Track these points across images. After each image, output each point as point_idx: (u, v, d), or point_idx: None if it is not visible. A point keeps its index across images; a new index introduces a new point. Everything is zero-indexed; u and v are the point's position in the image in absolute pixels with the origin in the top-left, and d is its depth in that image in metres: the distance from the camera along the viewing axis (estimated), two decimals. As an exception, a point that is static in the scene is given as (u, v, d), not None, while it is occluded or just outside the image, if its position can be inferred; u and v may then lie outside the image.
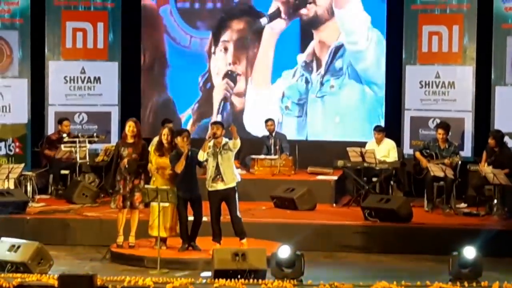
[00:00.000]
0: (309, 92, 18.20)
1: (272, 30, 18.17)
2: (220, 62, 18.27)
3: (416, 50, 17.42)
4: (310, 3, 17.99)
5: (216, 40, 18.31)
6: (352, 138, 17.78)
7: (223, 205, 13.01)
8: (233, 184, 12.87)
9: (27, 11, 17.30)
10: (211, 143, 12.76)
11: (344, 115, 18.22)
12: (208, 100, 18.43)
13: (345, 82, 18.13)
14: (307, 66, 18.24)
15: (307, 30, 18.24)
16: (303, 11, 17.98)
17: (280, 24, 18.13)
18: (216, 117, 17.94)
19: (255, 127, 18.12)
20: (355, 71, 18.05)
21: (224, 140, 12.91)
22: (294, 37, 18.30)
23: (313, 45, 18.18)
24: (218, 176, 12.82)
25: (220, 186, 12.82)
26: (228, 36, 18.29)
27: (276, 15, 18.09)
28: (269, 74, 18.29)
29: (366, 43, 17.93)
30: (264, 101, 18.38)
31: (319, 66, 18.17)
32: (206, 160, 12.80)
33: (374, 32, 17.94)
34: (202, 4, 18.28)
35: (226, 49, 18.27)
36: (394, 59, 17.59)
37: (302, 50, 18.22)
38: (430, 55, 17.40)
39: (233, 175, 12.92)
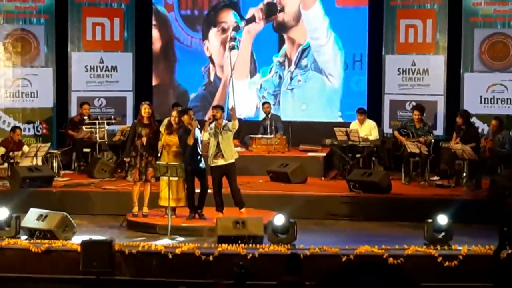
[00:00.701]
0: (281, 85, 18.18)
1: (249, 33, 18.13)
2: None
3: (394, 41, 17.39)
4: (280, 11, 17.98)
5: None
6: (316, 119, 18.00)
7: (224, 179, 13.01)
8: (232, 160, 12.87)
9: (52, 8, 17.25)
10: (212, 125, 12.79)
11: (308, 103, 18.17)
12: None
13: (309, 76, 18.09)
14: (280, 65, 18.26)
15: (280, 34, 18.22)
16: (274, 17, 17.97)
17: (255, 27, 18.11)
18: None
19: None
20: (317, 65, 18.06)
21: (224, 121, 12.96)
22: (272, 40, 18.34)
23: (285, 47, 18.17)
24: (219, 153, 12.84)
25: (220, 162, 12.82)
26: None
27: (251, 20, 18.06)
28: (248, 69, 18.27)
29: (326, 39, 17.90)
30: (245, 90, 18.38)
31: (289, 64, 18.20)
32: (208, 139, 12.83)
33: (331, 32, 17.92)
34: (199, 12, 18.23)
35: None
36: (376, 50, 17.53)
37: (278, 51, 18.19)
38: (407, 46, 17.38)
39: (232, 152, 12.93)
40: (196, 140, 12.70)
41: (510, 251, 9.90)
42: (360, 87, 17.87)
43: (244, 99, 18.33)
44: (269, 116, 17.01)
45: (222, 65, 18.37)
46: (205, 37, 18.34)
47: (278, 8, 18.05)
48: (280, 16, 18.16)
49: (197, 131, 12.77)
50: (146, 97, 16.29)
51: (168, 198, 12.61)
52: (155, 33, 18.35)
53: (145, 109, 13.36)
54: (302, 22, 18.15)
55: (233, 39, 18.22)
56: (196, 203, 13.04)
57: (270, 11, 18.09)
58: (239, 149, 14.14)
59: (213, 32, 18.29)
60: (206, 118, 14.79)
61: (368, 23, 17.69)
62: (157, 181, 13.12)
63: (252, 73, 18.42)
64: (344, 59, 18.01)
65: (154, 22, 18.28)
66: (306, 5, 17.99)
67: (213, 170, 12.95)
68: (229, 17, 18.25)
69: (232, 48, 18.17)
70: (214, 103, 17.42)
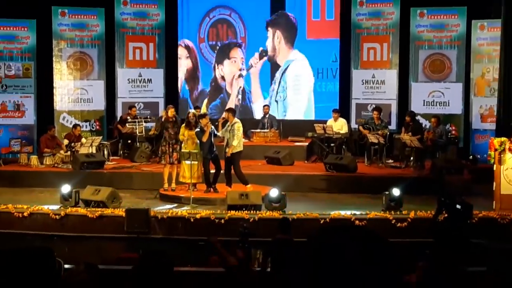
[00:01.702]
0: (271, 99, 18.01)
1: (255, 73, 18.11)
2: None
3: (359, 59, 17.29)
4: (267, 54, 17.97)
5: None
6: (300, 117, 17.85)
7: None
8: (235, 151, 12.83)
9: (103, 36, 17.19)
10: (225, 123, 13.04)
11: (295, 106, 18.02)
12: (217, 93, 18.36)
13: (287, 93, 18.01)
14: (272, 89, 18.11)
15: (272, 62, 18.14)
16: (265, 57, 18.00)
17: (257, 68, 18.10)
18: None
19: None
20: (301, 78, 18.03)
21: (234, 120, 12.97)
22: (267, 71, 18.32)
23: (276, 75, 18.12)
24: (227, 145, 12.88)
25: (230, 151, 12.82)
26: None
27: (251, 67, 18.05)
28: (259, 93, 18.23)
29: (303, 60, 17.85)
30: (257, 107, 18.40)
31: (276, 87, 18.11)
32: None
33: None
34: (221, 42, 18.10)
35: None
36: (345, 66, 17.44)
37: (272, 78, 18.08)
38: (368, 63, 17.27)
39: (236, 145, 12.88)
40: (210, 135, 12.70)
41: (445, 215, 9.87)
42: (334, 94, 17.73)
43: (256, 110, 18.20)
44: (267, 116, 16.97)
45: (231, 83, 18.20)
46: (219, 62, 18.18)
47: (268, 51, 17.96)
48: (270, 54, 18.03)
49: (211, 129, 12.81)
50: (172, 101, 16.27)
51: (190, 176, 12.63)
52: (181, 54, 18.23)
53: (171, 111, 13.54)
54: (286, 52, 18.06)
55: (242, 71, 18.15)
56: (211, 180, 13.00)
57: (261, 55, 17.99)
58: (244, 140, 14.05)
59: (227, 62, 18.17)
60: (220, 117, 14.78)
61: (339, 47, 17.59)
62: (179, 164, 13.11)
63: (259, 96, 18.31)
64: (320, 73, 17.85)
65: (179, 50, 18.16)
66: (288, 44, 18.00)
67: (225, 157, 12.94)
68: (238, 53, 18.13)
69: (239, 76, 18.09)
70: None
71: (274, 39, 17.97)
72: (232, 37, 18.18)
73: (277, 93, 18.10)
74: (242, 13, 18.10)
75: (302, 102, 18.06)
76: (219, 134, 13.12)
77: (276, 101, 18.10)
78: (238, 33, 18.16)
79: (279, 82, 18.03)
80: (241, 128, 13.10)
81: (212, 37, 18.26)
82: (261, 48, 18.00)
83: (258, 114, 17.84)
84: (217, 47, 18.25)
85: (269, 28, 17.92)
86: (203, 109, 16.97)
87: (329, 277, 1.69)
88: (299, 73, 18.05)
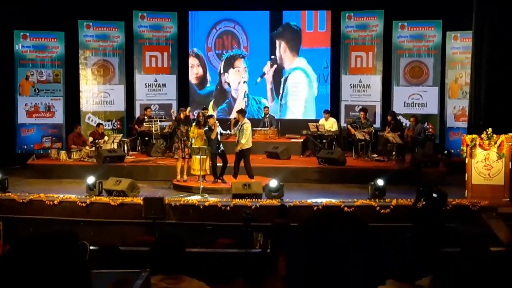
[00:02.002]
0: (275, 103, 17.97)
1: (268, 78, 18.04)
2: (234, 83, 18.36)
3: (347, 66, 17.27)
4: (276, 62, 17.90)
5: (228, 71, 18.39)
6: (296, 117, 17.71)
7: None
8: (244, 147, 12.83)
9: (123, 46, 17.17)
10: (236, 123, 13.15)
11: (289, 113, 17.95)
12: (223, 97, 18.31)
13: (287, 98, 17.95)
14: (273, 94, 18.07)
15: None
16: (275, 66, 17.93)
17: (270, 74, 18.07)
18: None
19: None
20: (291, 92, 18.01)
21: (244, 121, 12.99)
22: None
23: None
24: (237, 142, 12.87)
25: (238, 147, 12.83)
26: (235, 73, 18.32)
27: (264, 74, 18.00)
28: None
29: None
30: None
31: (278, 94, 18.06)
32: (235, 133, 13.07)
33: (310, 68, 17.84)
34: (226, 51, 18.05)
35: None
36: (336, 72, 17.42)
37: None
38: (356, 69, 17.24)
39: (243, 143, 12.87)
40: (217, 134, 12.71)
41: (423, 202, 9.86)
42: (325, 96, 17.71)
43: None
44: (267, 116, 16.94)
45: (236, 89, 18.18)
46: (225, 71, 18.14)
47: (277, 61, 17.89)
48: (278, 63, 17.96)
49: (217, 128, 12.81)
50: (184, 104, 16.29)
51: (199, 169, 12.60)
52: (192, 63, 18.20)
53: (183, 113, 13.68)
54: (291, 60, 17.97)
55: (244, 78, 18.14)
56: (219, 173, 12.98)
57: (272, 64, 17.88)
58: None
59: (232, 71, 18.10)
60: (231, 117, 14.84)
61: (330, 55, 17.55)
62: (190, 158, 13.10)
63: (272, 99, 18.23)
64: (315, 78, 17.83)
65: (190, 59, 18.12)
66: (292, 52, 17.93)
67: (236, 152, 12.96)
68: (241, 64, 18.07)
69: (244, 82, 18.06)
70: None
71: (280, 50, 17.92)
72: (236, 46, 18.13)
73: (281, 97, 18.05)
74: (244, 25, 18.05)
75: (300, 104, 18.00)
76: (231, 132, 13.21)
77: (281, 104, 18.04)
78: (241, 43, 18.12)
79: (283, 87, 17.99)
80: (250, 128, 13.08)
81: (218, 47, 18.22)
82: (270, 59, 17.97)
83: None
84: (223, 56, 18.20)
85: (276, 40, 17.86)
86: (210, 109, 16.96)
87: (321, 257, 1.69)
88: (299, 80, 17.96)
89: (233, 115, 17.57)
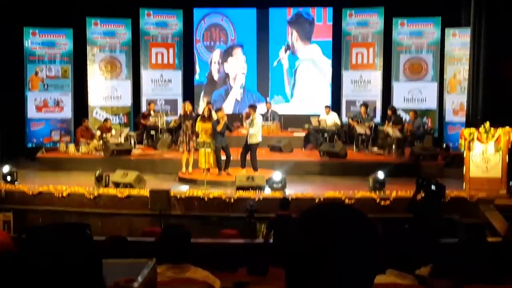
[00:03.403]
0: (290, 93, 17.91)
1: (284, 60, 17.94)
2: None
3: (348, 62, 17.23)
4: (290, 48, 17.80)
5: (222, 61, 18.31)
6: (299, 112, 17.34)
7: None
8: (253, 142, 12.96)
9: (130, 43, 17.15)
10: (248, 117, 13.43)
11: (294, 107, 17.78)
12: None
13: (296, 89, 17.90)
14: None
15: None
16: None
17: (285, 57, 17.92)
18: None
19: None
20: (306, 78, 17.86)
21: (254, 115, 13.15)
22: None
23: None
24: (248, 136, 12.98)
25: (248, 141, 12.94)
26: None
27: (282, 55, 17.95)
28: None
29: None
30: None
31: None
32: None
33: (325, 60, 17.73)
34: (214, 43, 17.97)
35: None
36: (337, 68, 17.39)
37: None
38: (357, 65, 17.20)
39: (253, 137, 12.97)
40: (224, 126, 12.77)
41: (422, 194, 9.87)
42: (327, 92, 17.65)
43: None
44: (270, 111, 16.92)
45: (234, 78, 18.10)
46: (225, 60, 18.08)
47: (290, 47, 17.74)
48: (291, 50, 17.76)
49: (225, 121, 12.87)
50: (188, 98, 16.28)
51: (204, 162, 12.67)
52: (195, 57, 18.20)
53: (188, 106, 13.79)
54: (303, 47, 17.81)
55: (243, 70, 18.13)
56: (223, 165, 13.01)
57: (286, 49, 17.66)
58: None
59: (231, 59, 18.04)
60: (244, 112, 14.93)
61: (332, 51, 17.52)
62: (196, 151, 13.09)
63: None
64: (318, 74, 17.80)
65: (195, 53, 18.11)
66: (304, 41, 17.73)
67: (244, 144, 13.08)
68: (239, 53, 17.99)
69: (242, 74, 18.02)
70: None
71: (292, 37, 17.79)
72: (224, 38, 18.08)
73: (292, 88, 17.95)
74: (232, 18, 17.96)
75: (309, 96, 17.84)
76: (244, 125, 13.54)
77: (292, 95, 17.92)
78: (228, 35, 18.06)
79: (293, 80, 17.88)
80: (260, 123, 13.21)
81: (206, 38, 18.09)
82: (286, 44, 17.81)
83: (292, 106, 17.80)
84: (215, 47, 18.04)
85: (288, 27, 17.73)
86: (202, 103, 16.79)
87: (321, 247, 1.69)
88: (309, 69, 17.79)
89: (230, 103, 17.85)
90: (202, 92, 17.97)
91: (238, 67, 18.09)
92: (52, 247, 1.72)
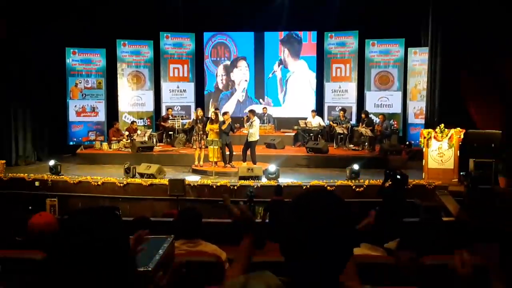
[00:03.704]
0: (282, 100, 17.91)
1: (277, 72, 17.86)
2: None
3: (329, 75, 17.20)
4: (282, 63, 17.76)
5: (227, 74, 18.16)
6: (289, 116, 17.20)
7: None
8: (252, 140, 12.93)
9: (152, 60, 17.12)
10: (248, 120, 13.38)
11: (285, 111, 17.72)
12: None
13: (287, 97, 17.85)
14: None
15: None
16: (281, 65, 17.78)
17: (278, 70, 17.87)
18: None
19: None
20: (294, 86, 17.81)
21: (254, 118, 13.12)
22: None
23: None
24: (248, 135, 12.97)
25: (248, 139, 12.94)
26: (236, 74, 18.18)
27: (275, 70, 17.84)
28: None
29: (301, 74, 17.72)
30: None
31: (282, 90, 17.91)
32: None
33: (310, 73, 17.69)
34: (220, 58, 17.91)
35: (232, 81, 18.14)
36: (321, 79, 17.36)
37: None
38: (336, 77, 17.15)
39: (252, 136, 12.92)
40: (229, 126, 12.73)
41: (390, 182, 9.86)
42: (312, 99, 17.63)
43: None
44: (266, 114, 16.88)
45: (239, 84, 18.00)
46: (231, 70, 18.02)
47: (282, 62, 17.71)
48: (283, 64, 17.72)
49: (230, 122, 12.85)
50: (200, 105, 16.25)
51: (212, 157, 12.64)
52: (206, 72, 18.15)
53: (200, 111, 13.69)
54: (293, 62, 17.74)
55: (245, 77, 18.05)
56: (227, 159, 12.98)
57: (279, 64, 17.64)
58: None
59: (236, 70, 18.00)
60: (245, 116, 14.87)
61: (316, 66, 17.49)
62: (206, 148, 13.06)
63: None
64: (305, 84, 17.76)
65: (205, 68, 18.06)
66: (293, 57, 17.70)
67: (245, 142, 13.04)
68: (243, 64, 17.96)
69: (245, 81, 17.98)
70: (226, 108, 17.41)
71: (284, 54, 17.72)
72: (228, 55, 18.01)
73: (284, 96, 17.88)
74: (234, 38, 17.90)
75: (297, 102, 17.79)
76: (245, 126, 13.40)
77: (284, 101, 17.82)
78: (231, 52, 17.98)
79: (285, 89, 17.83)
80: (257, 124, 13.15)
81: (213, 55, 18.03)
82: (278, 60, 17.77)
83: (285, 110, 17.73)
84: (220, 62, 17.98)
85: (280, 45, 17.67)
86: (211, 108, 16.52)
87: (308, 224, 1.69)
88: (298, 80, 17.72)
89: (233, 104, 17.86)
90: (211, 100, 17.95)
91: (241, 75, 18.07)
92: (88, 225, 1.74)
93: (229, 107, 17.41)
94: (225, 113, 13.22)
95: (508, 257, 1.72)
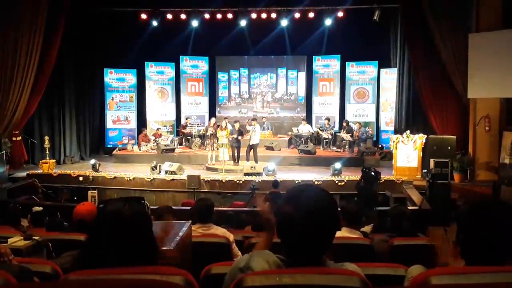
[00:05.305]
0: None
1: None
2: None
3: (317, 91, 17.14)
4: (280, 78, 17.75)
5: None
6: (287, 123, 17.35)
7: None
8: (254, 143, 12.88)
9: (173, 78, 17.10)
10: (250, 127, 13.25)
11: (283, 117, 17.77)
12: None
13: (283, 108, 17.84)
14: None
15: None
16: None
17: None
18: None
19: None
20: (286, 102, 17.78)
21: (256, 125, 13.11)
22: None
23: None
24: (250, 139, 12.89)
25: (251, 142, 12.88)
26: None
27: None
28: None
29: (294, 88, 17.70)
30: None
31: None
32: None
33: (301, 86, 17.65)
34: (229, 75, 17.88)
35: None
36: (310, 94, 17.33)
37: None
38: (322, 93, 17.09)
39: (254, 139, 12.88)
40: (238, 131, 12.77)
41: (366, 178, 9.85)
42: (303, 112, 17.59)
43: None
44: (265, 123, 16.81)
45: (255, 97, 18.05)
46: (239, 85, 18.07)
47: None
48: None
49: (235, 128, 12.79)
50: (213, 115, 16.20)
51: (223, 157, 12.59)
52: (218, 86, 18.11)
53: (212, 121, 13.87)
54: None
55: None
56: (235, 159, 12.94)
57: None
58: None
59: (242, 84, 17.96)
60: (247, 123, 14.74)
61: (305, 83, 17.46)
62: (217, 149, 13.03)
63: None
64: (294, 100, 17.74)
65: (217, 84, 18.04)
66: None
67: (248, 145, 12.93)
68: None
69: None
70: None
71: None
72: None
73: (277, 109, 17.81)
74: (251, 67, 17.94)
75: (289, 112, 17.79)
76: (249, 130, 13.20)
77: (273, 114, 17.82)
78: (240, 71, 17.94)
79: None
80: (259, 130, 13.13)
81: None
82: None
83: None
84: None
85: (277, 68, 17.67)
86: (223, 123, 16.65)
87: (301, 211, 1.70)
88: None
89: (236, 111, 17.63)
90: (218, 109, 17.94)
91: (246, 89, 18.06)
92: (119, 211, 1.78)
93: (233, 113, 17.33)
94: (236, 121, 13.19)
95: (461, 235, 1.73)
